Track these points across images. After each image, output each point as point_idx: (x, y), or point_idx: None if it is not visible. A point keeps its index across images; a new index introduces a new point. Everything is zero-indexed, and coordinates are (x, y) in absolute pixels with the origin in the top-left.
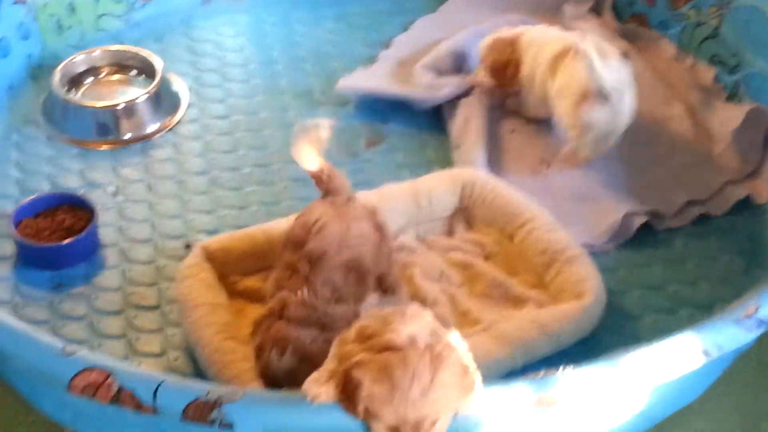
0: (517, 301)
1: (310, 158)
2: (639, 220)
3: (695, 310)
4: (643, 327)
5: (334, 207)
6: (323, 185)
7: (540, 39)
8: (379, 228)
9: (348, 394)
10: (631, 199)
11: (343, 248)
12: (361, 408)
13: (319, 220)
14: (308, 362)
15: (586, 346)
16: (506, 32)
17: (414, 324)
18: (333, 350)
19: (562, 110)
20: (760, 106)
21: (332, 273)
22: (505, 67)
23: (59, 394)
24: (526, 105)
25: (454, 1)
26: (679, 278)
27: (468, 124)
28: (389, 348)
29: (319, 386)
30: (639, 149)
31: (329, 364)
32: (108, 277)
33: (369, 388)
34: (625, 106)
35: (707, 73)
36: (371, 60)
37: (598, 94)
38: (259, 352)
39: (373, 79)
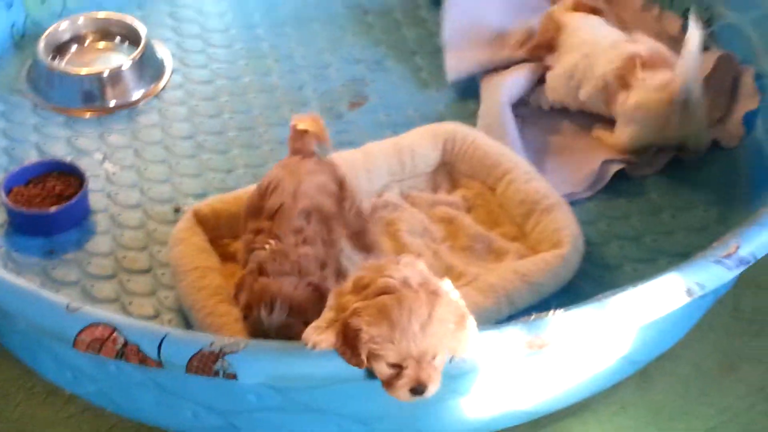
0: (499, 254)
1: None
2: (615, 167)
3: (673, 258)
4: (623, 276)
5: (287, 167)
6: (291, 144)
7: (591, 41)
8: (340, 183)
9: (349, 343)
10: (605, 148)
11: (299, 198)
12: (363, 354)
13: (272, 182)
14: (297, 311)
15: (568, 296)
16: (559, 11)
17: (407, 270)
18: (330, 301)
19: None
20: (728, 52)
21: (293, 221)
22: (542, 47)
23: (61, 353)
24: (553, 89)
25: None
26: (656, 229)
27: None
28: (384, 292)
29: (319, 334)
30: None
31: (327, 313)
32: (99, 243)
33: (368, 331)
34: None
35: (675, 22)
36: (352, 21)
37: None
38: (247, 311)
39: (468, 58)
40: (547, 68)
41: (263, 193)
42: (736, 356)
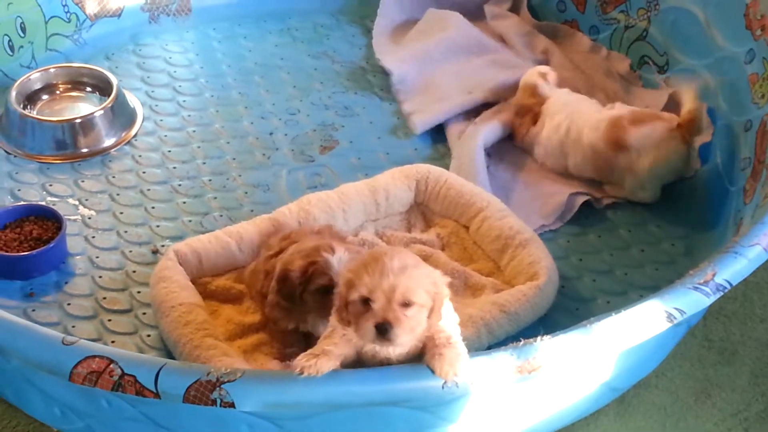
0: (475, 289)
1: None
2: (581, 198)
3: (643, 290)
4: (597, 308)
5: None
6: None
7: (574, 114)
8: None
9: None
10: (570, 181)
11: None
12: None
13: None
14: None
15: (545, 327)
16: (539, 79)
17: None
18: (326, 331)
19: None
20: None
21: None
22: (525, 113)
23: (50, 390)
24: (544, 155)
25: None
26: (626, 263)
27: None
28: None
29: (309, 359)
30: None
31: (322, 342)
32: (79, 284)
33: (345, 274)
34: None
35: (623, 63)
36: (319, 69)
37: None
38: (286, 272)
39: (437, 107)
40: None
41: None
42: (709, 384)
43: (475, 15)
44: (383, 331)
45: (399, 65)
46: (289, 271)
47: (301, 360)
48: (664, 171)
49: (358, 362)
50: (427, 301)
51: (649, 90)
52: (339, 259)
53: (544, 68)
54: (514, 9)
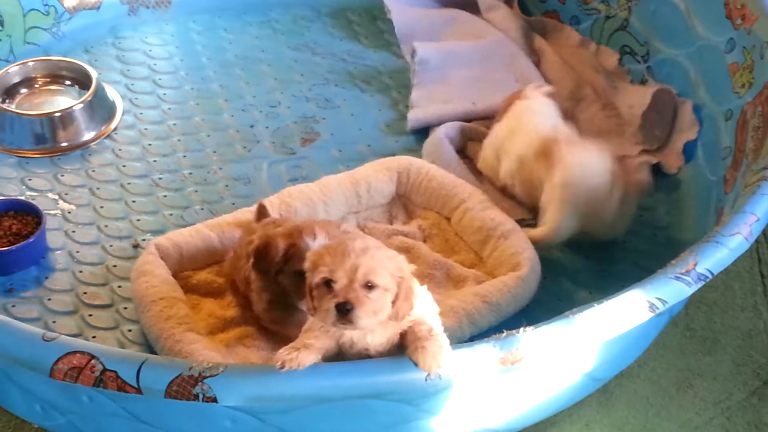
0: (458, 281)
1: None
2: None
3: (626, 281)
4: (579, 299)
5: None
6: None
7: (521, 121)
8: None
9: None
10: None
11: None
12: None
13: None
14: None
15: (527, 319)
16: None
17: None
18: (306, 326)
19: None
20: (665, 86)
21: None
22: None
23: (30, 386)
24: (483, 159)
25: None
26: (607, 255)
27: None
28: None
29: (290, 353)
30: None
31: (302, 336)
32: (59, 279)
33: (309, 257)
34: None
35: (611, 58)
36: (299, 61)
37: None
38: (266, 247)
39: (436, 109)
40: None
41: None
42: (691, 373)
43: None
44: (344, 311)
45: (426, 48)
46: (269, 245)
47: (282, 353)
48: (572, 198)
49: (339, 355)
50: (391, 284)
51: (636, 86)
52: (319, 246)
53: (540, 84)
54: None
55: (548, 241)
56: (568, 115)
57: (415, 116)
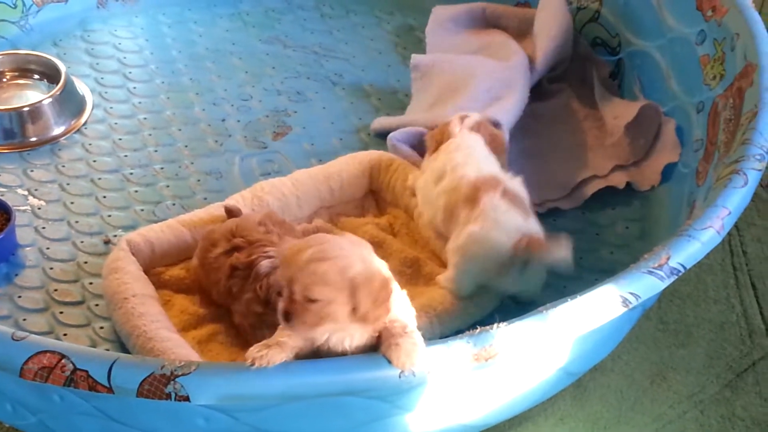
0: (429, 278)
1: None
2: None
3: (599, 274)
4: (552, 293)
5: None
6: None
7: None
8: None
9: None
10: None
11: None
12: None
13: None
14: None
15: (500, 314)
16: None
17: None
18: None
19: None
20: (652, 103)
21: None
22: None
23: (1, 384)
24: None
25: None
26: (581, 246)
27: None
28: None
29: (261, 350)
30: (535, 140)
31: (278, 334)
32: (29, 276)
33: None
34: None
35: (603, 68)
36: (271, 54)
37: None
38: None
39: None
40: None
41: None
42: (664, 366)
43: None
44: (287, 318)
45: (424, 55)
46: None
47: (253, 351)
48: (473, 265)
49: (315, 354)
50: (336, 296)
51: (624, 101)
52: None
53: (468, 114)
54: None
55: (452, 293)
56: (498, 147)
57: (380, 122)
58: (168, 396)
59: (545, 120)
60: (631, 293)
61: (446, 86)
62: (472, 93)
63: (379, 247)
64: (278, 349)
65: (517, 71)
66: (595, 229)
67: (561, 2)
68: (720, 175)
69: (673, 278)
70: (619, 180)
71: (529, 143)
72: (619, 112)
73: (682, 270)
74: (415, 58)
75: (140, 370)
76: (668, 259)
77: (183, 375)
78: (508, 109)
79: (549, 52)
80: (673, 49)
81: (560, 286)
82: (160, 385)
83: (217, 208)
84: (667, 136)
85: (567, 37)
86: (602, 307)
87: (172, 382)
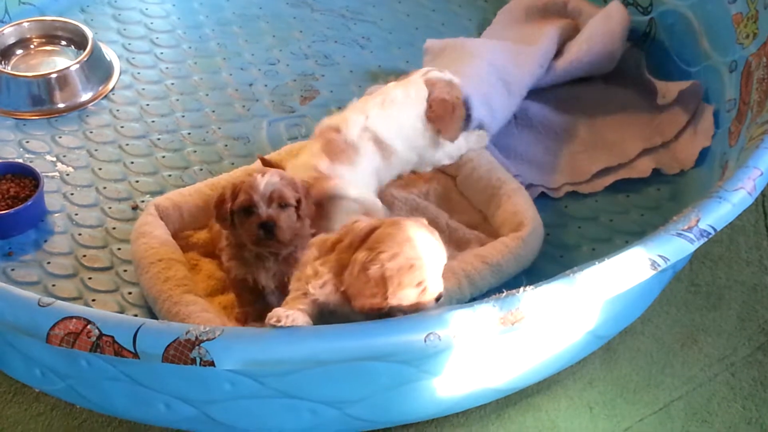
0: (460, 243)
1: None
2: (535, 191)
3: (629, 236)
4: (582, 256)
5: None
6: None
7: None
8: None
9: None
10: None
11: None
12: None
13: None
14: None
15: (530, 277)
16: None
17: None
18: (295, 281)
19: None
20: (697, 81)
21: None
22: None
23: (29, 351)
24: None
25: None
26: (611, 209)
27: None
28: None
29: (288, 309)
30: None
31: (294, 285)
32: (58, 242)
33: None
34: None
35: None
36: (298, 18)
37: None
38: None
39: None
40: None
41: None
42: (695, 329)
43: None
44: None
45: (436, 39)
46: (222, 193)
47: (278, 311)
48: None
49: (322, 321)
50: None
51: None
52: (266, 182)
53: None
54: None
55: None
56: (442, 112)
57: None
58: (193, 361)
59: (581, 102)
60: (660, 256)
61: (449, 65)
62: (473, 70)
63: (414, 210)
64: (300, 313)
65: (530, 57)
66: (626, 192)
67: (621, 15)
68: (752, 136)
69: (702, 240)
70: (643, 167)
71: (563, 122)
72: (669, 87)
73: (712, 232)
74: (429, 42)
75: (165, 335)
76: (698, 221)
77: (208, 340)
78: (503, 93)
79: (577, 59)
80: (705, 7)
81: (590, 248)
82: (185, 351)
83: (244, 173)
84: (706, 120)
85: (608, 50)
86: (630, 271)
87: (197, 348)
